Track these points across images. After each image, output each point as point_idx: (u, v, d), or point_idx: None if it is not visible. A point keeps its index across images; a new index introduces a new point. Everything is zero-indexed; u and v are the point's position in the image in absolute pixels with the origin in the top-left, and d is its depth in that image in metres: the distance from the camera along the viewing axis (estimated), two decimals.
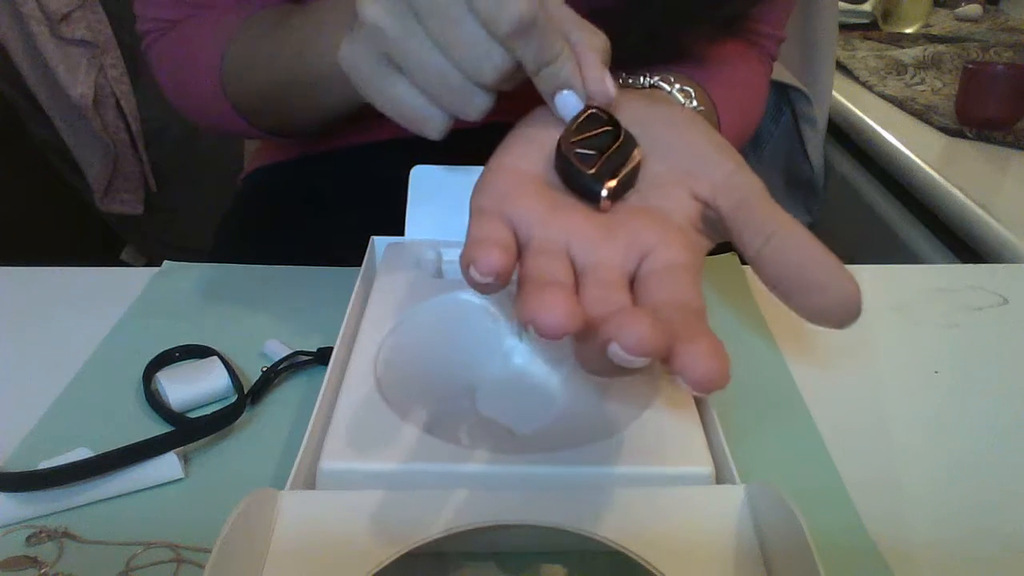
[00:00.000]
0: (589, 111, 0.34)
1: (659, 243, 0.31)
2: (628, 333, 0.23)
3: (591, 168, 0.32)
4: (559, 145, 0.33)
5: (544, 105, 0.35)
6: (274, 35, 0.50)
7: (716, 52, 0.55)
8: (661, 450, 0.33)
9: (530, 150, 0.34)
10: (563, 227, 0.31)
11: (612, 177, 0.32)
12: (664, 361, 0.25)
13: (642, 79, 0.44)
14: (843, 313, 0.26)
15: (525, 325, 0.24)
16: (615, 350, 0.24)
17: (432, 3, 0.31)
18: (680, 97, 0.44)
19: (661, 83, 0.44)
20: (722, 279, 0.53)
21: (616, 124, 0.34)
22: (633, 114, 0.35)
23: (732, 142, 0.48)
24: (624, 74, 0.44)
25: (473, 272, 0.27)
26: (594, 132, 0.33)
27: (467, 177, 0.49)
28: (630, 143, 0.34)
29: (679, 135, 0.35)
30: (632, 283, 0.30)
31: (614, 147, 0.33)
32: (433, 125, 0.36)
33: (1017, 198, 0.79)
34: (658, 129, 0.35)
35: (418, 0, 0.32)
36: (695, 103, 0.44)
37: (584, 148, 0.33)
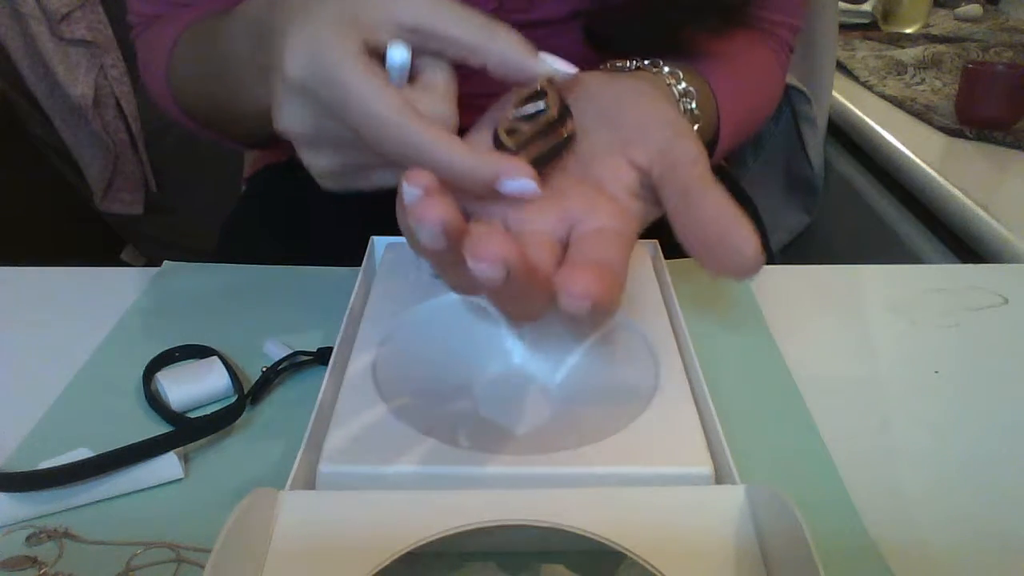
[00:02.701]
0: (536, 88, 0.35)
1: (587, 211, 0.33)
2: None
3: (514, 142, 0.34)
4: (499, 121, 0.35)
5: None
6: (206, 64, 0.49)
7: (722, 44, 0.55)
8: (661, 450, 0.33)
9: (483, 126, 0.37)
10: (502, 201, 0.33)
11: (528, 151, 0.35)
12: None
13: (629, 63, 0.44)
14: (744, 268, 0.29)
15: (473, 270, 0.25)
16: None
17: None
18: (669, 79, 0.44)
19: (649, 66, 0.44)
20: (722, 279, 0.53)
21: (555, 100, 0.35)
22: (587, 89, 0.38)
23: (735, 131, 0.48)
24: (613, 61, 0.45)
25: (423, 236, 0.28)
26: (532, 109, 0.35)
27: None
28: (563, 118, 0.36)
29: (628, 107, 0.37)
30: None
31: (543, 121, 0.35)
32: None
33: (1017, 198, 0.79)
34: (607, 102, 0.37)
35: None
36: (683, 85, 0.44)
37: (519, 123, 0.35)
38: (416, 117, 0.32)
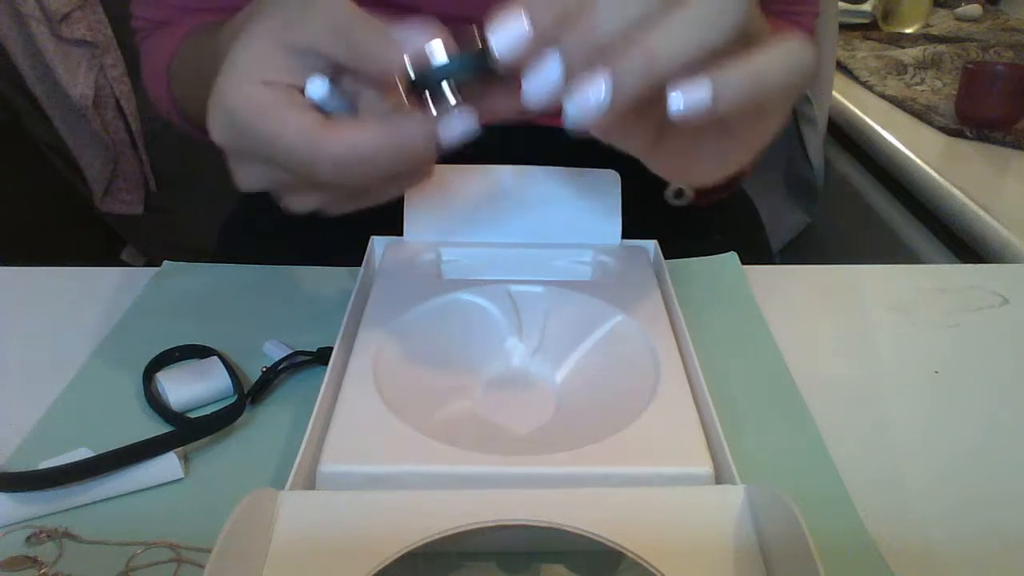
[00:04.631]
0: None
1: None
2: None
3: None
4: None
5: None
6: (199, 75, 0.49)
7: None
8: (661, 450, 0.33)
9: None
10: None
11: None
12: None
13: None
14: None
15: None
16: None
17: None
18: None
19: None
20: (722, 279, 0.53)
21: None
22: None
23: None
24: None
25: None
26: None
27: (465, 177, 0.49)
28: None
29: None
30: None
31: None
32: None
33: (1017, 198, 0.79)
34: None
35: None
36: None
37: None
38: (321, 129, 0.32)
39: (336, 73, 0.34)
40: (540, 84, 0.29)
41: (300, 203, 0.37)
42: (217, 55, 0.42)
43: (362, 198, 0.36)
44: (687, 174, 0.38)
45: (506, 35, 0.29)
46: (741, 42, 0.29)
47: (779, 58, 0.30)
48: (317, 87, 0.34)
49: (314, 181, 0.33)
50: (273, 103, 0.32)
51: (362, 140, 0.32)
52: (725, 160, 0.37)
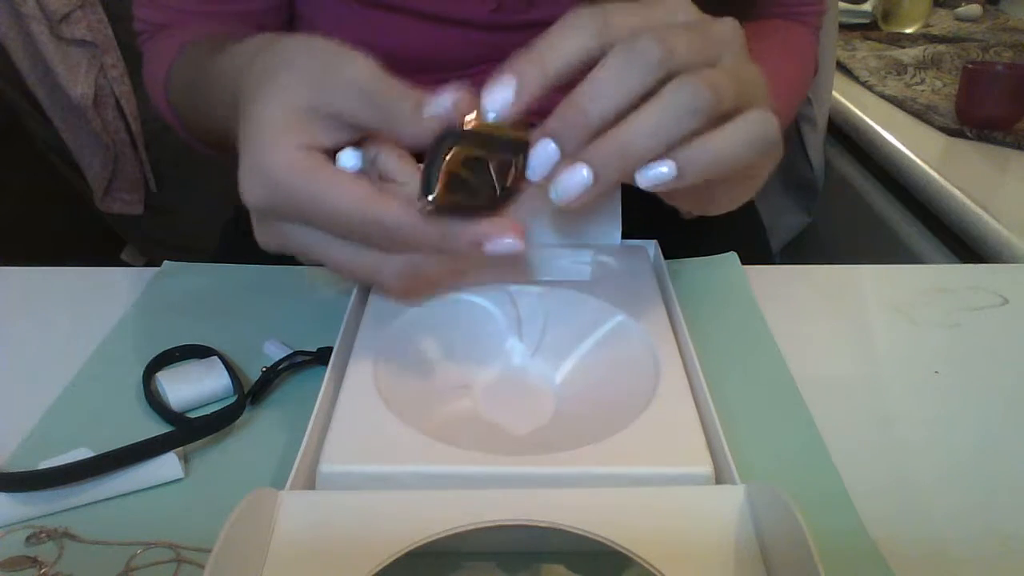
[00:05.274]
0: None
1: None
2: None
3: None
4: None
5: None
6: (197, 89, 0.49)
7: (752, 30, 0.56)
8: (661, 450, 0.33)
9: None
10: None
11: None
12: None
13: None
14: None
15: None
16: None
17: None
18: None
19: None
20: (722, 279, 0.53)
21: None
22: None
23: (783, 109, 0.48)
24: None
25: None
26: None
27: None
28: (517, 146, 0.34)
29: None
30: None
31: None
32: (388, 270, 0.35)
33: (1017, 198, 0.79)
34: None
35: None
36: None
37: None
38: (378, 198, 0.32)
39: (360, 135, 0.34)
40: (539, 162, 0.32)
41: (340, 266, 0.36)
42: (220, 87, 0.42)
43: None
44: (700, 208, 0.40)
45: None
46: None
47: (740, 133, 0.32)
48: (349, 158, 0.34)
49: (362, 242, 0.33)
50: (320, 167, 0.32)
51: (432, 229, 0.32)
52: (735, 196, 0.39)
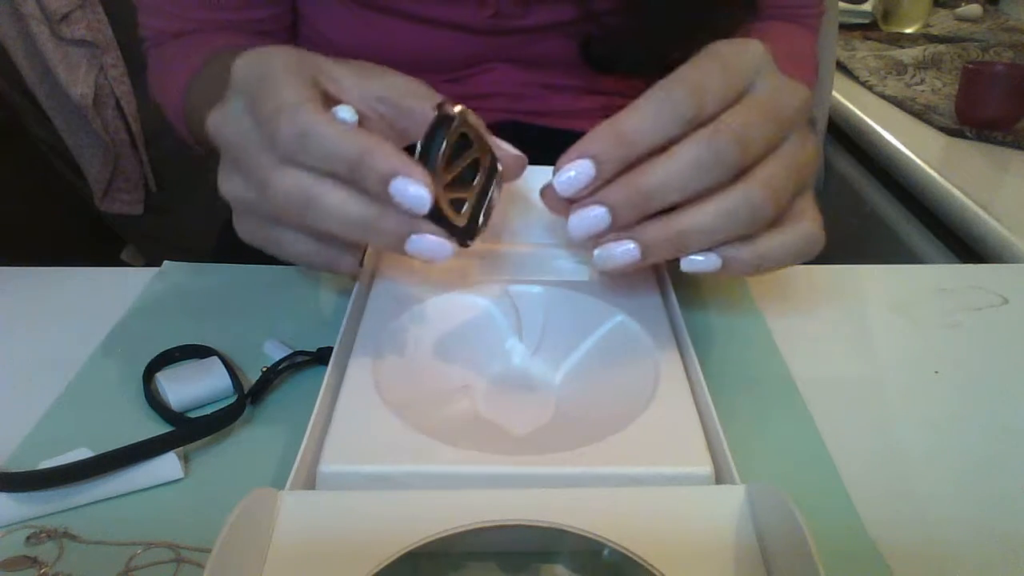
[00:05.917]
0: (458, 132, 0.34)
1: None
2: None
3: (460, 219, 0.35)
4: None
5: None
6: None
7: (757, 31, 0.56)
8: (661, 450, 0.33)
9: None
10: None
11: (474, 221, 0.36)
12: None
13: None
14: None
15: None
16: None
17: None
18: None
19: None
20: (722, 279, 0.53)
21: (480, 145, 0.35)
22: None
23: None
24: None
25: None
26: (461, 164, 0.35)
27: None
28: (493, 170, 0.36)
29: None
30: None
31: (479, 182, 0.36)
32: (346, 262, 0.37)
33: (1017, 198, 0.79)
34: None
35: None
36: None
37: (454, 189, 0.34)
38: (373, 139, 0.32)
39: None
40: (586, 225, 0.32)
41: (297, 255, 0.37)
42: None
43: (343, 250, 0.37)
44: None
45: (568, 179, 0.32)
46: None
47: (788, 244, 0.34)
48: (344, 111, 0.34)
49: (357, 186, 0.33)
50: (321, 108, 0.32)
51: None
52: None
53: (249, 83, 0.33)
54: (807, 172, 0.34)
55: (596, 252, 0.33)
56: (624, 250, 0.32)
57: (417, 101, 0.36)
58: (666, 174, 0.31)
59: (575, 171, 0.31)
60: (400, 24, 0.55)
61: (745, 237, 0.33)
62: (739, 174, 0.31)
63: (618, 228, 0.32)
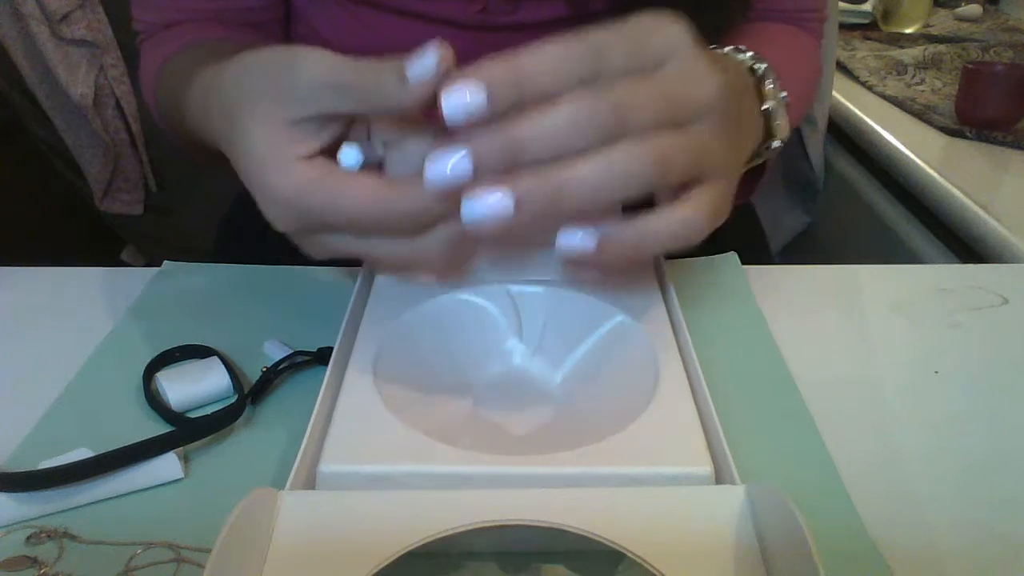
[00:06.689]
0: None
1: None
2: None
3: None
4: None
5: None
6: (187, 101, 0.48)
7: (762, 29, 0.56)
8: (661, 450, 0.33)
9: None
10: None
11: None
12: None
13: (717, 48, 0.44)
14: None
15: None
16: None
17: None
18: (751, 62, 0.43)
19: (734, 52, 0.43)
20: (722, 279, 0.53)
21: None
22: None
23: (792, 117, 0.48)
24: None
25: None
26: None
27: None
28: None
29: None
30: None
31: None
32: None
33: (1017, 198, 0.79)
34: None
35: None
36: (764, 64, 0.43)
37: None
38: (387, 189, 0.31)
39: (350, 123, 0.34)
40: (445, 171, 0.30)
41: (381, 260, 0.36)
42: (204, 113, 0.41)
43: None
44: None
45: (460, 101, 0.29)
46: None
47: (670, 227, 0.32)
48: (350, 155, 0.34)
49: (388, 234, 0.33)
50: (326, 175, 0.32)
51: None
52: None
53: (298, 222, 0.33)
54: (710, 159, 0.32)
55: (464, 202, 0.30)
56: (494, 200, 0.29)
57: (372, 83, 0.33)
58: (536, 125, 0.29)
59: (469, 95, 0.28)
60: (389, 19, 0.55)
61: (622, 218, 0.31)
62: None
63: (482, 175, 0.30)
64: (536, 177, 0.30)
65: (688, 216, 0.32)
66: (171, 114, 0.53)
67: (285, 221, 0.34)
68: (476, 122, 0.29)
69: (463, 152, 0.29)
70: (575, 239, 0.32)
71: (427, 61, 0.30)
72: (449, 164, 0.29)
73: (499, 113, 0.29)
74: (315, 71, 0.31)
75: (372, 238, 0.33)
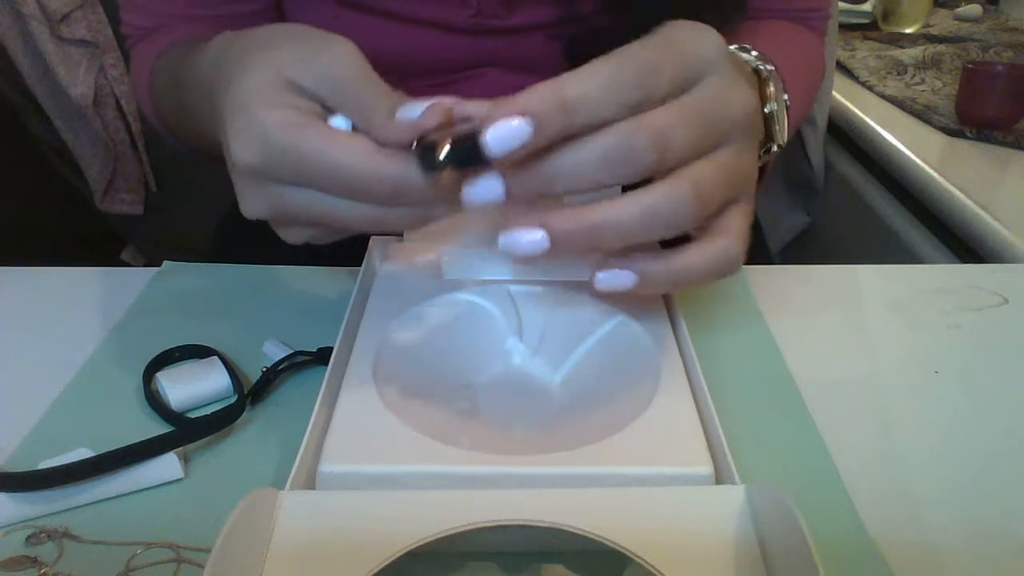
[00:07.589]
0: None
1: None
2: None
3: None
4: None
5: None
6: (175, 91, 0.49)
7: (767, 26, 0.56)
8: (661, 450, 0.33)
9: None
10: None
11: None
12: None
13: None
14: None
15: None
16: None
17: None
18: (755, 63, 0.42)
19: (739, 51, 0.43)
20: (722, 279, 0.53)
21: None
22: None
23: (795, 116, 0.47)
24: None
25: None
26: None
27: None
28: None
29: None
30: None
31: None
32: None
33: (1017, 198, 0.79)
34: None
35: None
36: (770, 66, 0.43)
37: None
38: (382, 153, 0.31)
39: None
40: (479, 194, 0.30)
41: (296, 235, 0.36)
42: (196, 82, 0.41)
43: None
44: None
45: (506, 135, 0.28)
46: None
47: (706, 259, 0.33)
48: (341, 121, 0.33)
49: (355, 200, 0.32)
50: (314, 123, 0.31)
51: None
52: None
53: (265, 168, 0.32)
54: (741, 182, 0.32)
55: (501, 237, 0.31)
56: (531, 239, 0.30)
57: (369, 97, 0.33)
58: (570, 161, 0.29)
59: (511, 128, 0.28)
60: (382, 24, 0.55)
61: (660, 254, 0.32)
62: (665, 174, 0.30)
63: (513, 205, 0.30)
64: (575, 218, 0.30)
65: (726, 245, 0.33)
66: (167, 103, 0.53)
67: (252, 155, 0.32)
68: (522, 154, 0.29)
69: (497, 181, 0.30)
70: (614, 279, 0.32)
71: (416, 109, 0.31)
72: (482, 187, 0.30)
73: (544, 145, 0.29)
74: (333, 62, 0.32)
75: (342, 199, 0.32)
